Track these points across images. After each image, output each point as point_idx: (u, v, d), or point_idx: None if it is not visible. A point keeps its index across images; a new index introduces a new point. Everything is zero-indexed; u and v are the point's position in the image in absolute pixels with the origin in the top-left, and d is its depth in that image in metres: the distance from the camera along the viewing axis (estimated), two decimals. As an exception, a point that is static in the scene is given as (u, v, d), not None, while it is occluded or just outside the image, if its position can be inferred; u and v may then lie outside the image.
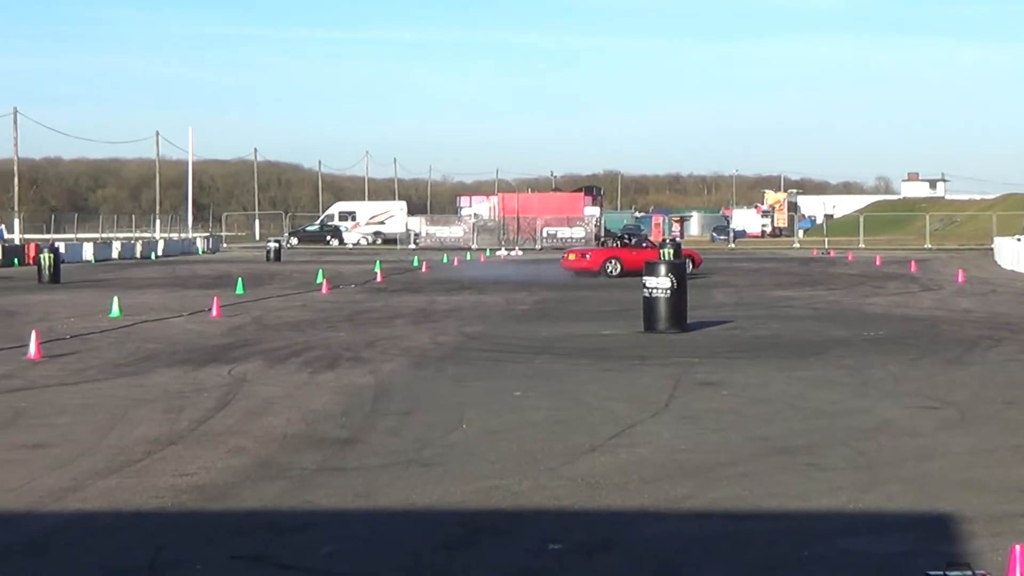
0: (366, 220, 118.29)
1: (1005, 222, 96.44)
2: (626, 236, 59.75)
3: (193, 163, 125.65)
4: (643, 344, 23.85)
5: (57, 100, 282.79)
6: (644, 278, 26.01)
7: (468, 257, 79.42)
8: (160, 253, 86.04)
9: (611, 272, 49.28)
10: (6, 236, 78.68)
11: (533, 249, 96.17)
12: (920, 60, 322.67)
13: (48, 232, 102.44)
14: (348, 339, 25.09)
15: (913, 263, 58.85)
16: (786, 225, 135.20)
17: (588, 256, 52.49)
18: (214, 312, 31.36)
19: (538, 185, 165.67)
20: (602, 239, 61.04)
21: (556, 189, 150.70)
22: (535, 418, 15.31)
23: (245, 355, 22.31)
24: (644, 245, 55.32)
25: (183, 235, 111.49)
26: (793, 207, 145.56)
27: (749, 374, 19.36)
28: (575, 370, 20.02)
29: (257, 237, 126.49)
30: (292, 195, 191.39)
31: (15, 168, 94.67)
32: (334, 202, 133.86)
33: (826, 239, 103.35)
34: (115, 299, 32.72)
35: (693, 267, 50.70)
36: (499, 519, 10.37)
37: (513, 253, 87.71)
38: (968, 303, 34.80)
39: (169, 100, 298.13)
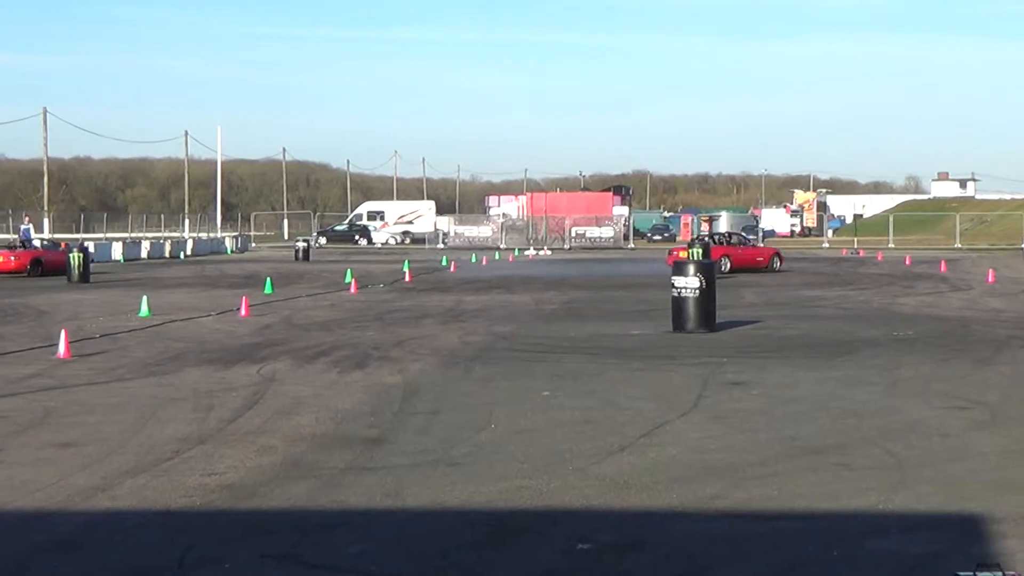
0: (395, 220, 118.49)
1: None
2: (727, 235, 61.79)
3: (222, 163, 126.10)
4: (672, 344, 23.83)
5: (87, 100, 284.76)
6: (672, 278, 26.02)
7: (497, 257, 79.43)
8: (189, 252, 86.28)
9: (723, 268, 50.93)
10: (33, 235, 78.91)
11: (562, 249, 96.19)
12: (950, 59, 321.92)
13: (77, 231, 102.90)
14: (377, 339, 25.11)
15: (943, 263, 58.70)
16: (815, 225, 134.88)
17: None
18: (243, 311, 31.42)
19: (567, 185, 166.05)
20: (704, 237, 63.65)
21: (585, 189, 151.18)
22: (564, 418, 15.30)
23: (274, 354, 22.34)
24: (750, 243, 62.04)
25: (212, 234, 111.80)
26: (822, 207, 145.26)
27: (778, 374, 19.31)
28: (604, 370, 20.00)
29: (286, 236, 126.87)
30: (321, 195, 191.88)
31: (45, 168, 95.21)
32: (363, 202, 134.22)
33: (856, 239, 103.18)
34: (144, 298, 32.80)
35: (780, 263, 56.57)
36: (528, 519, 10.36)
37: (542, 253, 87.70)
38: (998, 303, 34.68)
39: (198, 100, 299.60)
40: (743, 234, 65.02)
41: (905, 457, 12.68)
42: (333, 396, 17.22)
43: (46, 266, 52.88)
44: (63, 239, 71.20)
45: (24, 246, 56.51)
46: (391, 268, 59.57)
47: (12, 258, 53.25)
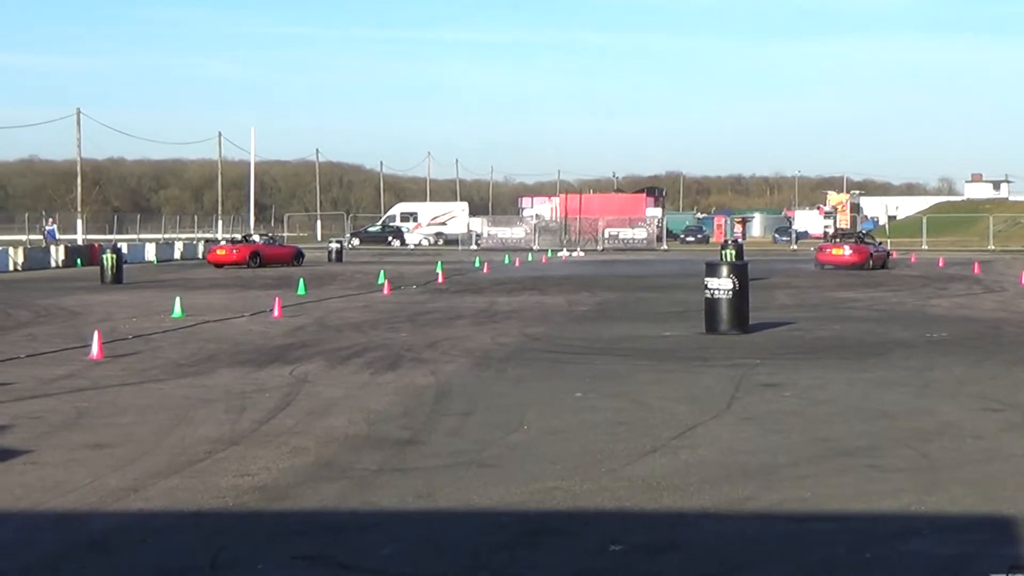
0: (428, 221, 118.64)
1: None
2: (863, 235, 67.13)
3: (255, 164, 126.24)
4: (704, 345, 23.79)
5: (120, 101, 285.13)
6: (706, 279, 25.97)
7: (530, 258, 79.42)
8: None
9: (868, 266, 57.25)
10: (57, 236, 79.37)
11: (595, 250, 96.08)
12: (984, 60, 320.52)
13: (111, 233, 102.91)
14: (409, 340, 25.13)
15: (976, 264, 58.52)
16: (849, 226, 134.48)
17: (853, 252, 58.24)
18: (276, 313, 31.48)
19: (600, 186, 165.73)
20: (832, 235, 67.52)
21: (618, 190, 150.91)
22: (596, 419, 15.29)
23: (306, 356, 22.37)
24: (880, 243, 68.90)
25: (245, 235, 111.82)
26: (856, 208, 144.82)
27: (811, 375, 19.27)
28: (636, 371, 19.98)
29: (319, 238, 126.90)
30: (354, 196, 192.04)
31: (78, 169, 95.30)
32: (396, 203, 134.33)
33: (889, 240, 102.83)
34: (177, 299, 32.91)
35: (889, 258, 62.35)
36: (560, 520, 10.36)
37: (575, 254, 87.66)
38: (1032, 304, 34.54)
39: (231, 101, 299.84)
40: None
41: (937, 459, 12.65)
42: (366, 397, 17.24)
43: (264, 259, 59.63)
44: (97, 240, 71.50)
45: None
46: (424, 269, 59.64)
47: (234, 251, 60.95)
